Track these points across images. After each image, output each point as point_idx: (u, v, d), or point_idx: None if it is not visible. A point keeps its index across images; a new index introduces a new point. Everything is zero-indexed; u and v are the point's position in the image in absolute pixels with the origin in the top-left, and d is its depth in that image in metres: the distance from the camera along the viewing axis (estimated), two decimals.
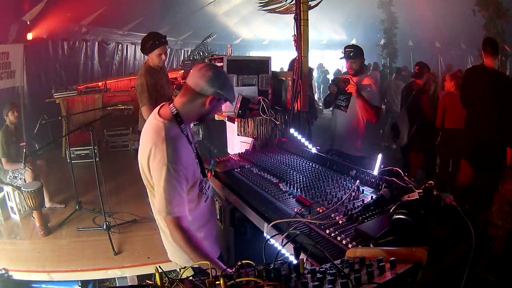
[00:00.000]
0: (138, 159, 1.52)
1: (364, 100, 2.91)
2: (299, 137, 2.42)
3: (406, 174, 1.57)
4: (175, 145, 1.41)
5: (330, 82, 3.39)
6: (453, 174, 3.80)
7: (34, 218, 3.42)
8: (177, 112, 1.48)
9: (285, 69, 5.17)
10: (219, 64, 2.80)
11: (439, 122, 3.92)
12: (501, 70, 5.33)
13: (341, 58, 3.13)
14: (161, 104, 1.56)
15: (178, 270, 1.66)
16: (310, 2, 2.67)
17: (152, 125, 1.49)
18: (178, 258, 1.63)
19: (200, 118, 1.58)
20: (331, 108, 3.35)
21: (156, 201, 1.42)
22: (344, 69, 3.55)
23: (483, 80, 3.06)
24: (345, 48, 3.09)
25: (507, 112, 2.90)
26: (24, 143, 3.95)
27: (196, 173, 1.54)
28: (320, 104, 8.52)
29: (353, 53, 3.01)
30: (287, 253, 1.25)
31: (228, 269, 1.15)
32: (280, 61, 6.03)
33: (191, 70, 1.54)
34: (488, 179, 3.08)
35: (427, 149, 4.17)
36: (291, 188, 1.66)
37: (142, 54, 3.39)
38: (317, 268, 0.88)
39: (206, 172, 1.93)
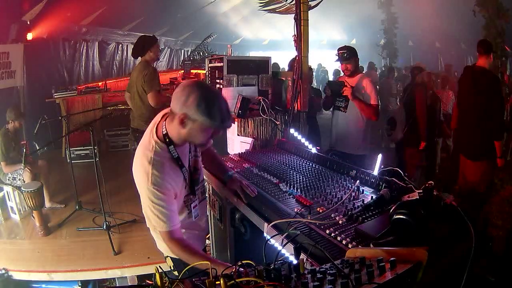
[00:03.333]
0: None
1: (360, 101, 3.02)
2: (299, 137, 2.42)
3: (406, 174, 1.57)
4: (160, 167, 1.39)
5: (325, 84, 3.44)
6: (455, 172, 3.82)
7: (34, 218, 3.43)
8: (166, 132, 1.43)
9: (285, 69, 5.16)
10: (219, 64, 2.80)
11: (455, 123, 3.93)
12: (501, 70, 5.33)
13: (336, 61, 3.20)
14: (163, 114, 1.48)
15: (164, 259, 1.68)
16: (310, 2, 2.67)
17: (146, 140, 1.47)
18: (163, 249, 1.64)
19: (188, 142, 1.48)
20: (330, 110, 3.40)
21: (146, 215, 1.45)
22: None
23: (470, 78, 3.24)
24: (338, 50, 3.15)
25: (491, 106, 3.06)
26: (25, 142, 3.94)
27: (180, 194, 1.52)
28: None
29: (347, 54, 3.08)
30: (287, 253, 1.25)
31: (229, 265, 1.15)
32: (280, 61, 6.02)
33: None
34: (481, 168, 3.20)
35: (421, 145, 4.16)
36: (291, 188, 1.66)
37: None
38: (317, 268, 0.88)
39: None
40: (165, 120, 1.45)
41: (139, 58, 3.58)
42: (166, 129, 1.43)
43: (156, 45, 3.52)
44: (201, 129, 1.38)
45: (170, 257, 1.62)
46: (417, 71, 4.24)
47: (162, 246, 1.64)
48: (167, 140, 1.43)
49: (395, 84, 7.45)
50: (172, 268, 1.61)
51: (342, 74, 3.39)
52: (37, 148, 4.36)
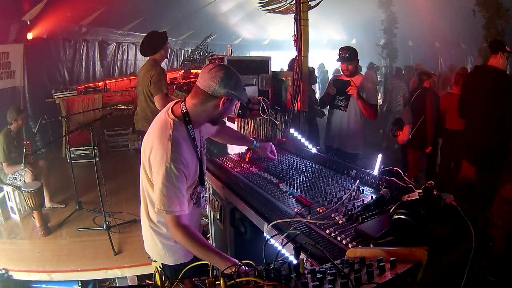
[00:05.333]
0: (141, 149, 1.51)
1: (364, 101, 3.04)
2: (299, 137, 2.42)
3: (406, 174, 1.57)
4: (179, 145, 1.40)
5: (328, 82, 3.43)
6: (454, 174, 3.81)
7: (34, 218, 3.43)
8: (186, 111, 1.47)
9: (285, 69, 5.15)
10: None
11: (452, 123, 3.91)
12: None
13: (337, 60, 3.21)
14: (176, 101, 1.55)
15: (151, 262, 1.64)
16: (310, 2, 2.67)
17: (162, 119, 1.48)
18: (153, 253, 1.64)
19: (212, 120, 1.55)
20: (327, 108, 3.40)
21: (155, 197, 1.41)
22: None
23: (485, 78, 3.09)
24: (340, 50, 3.16)
25: (509, 107, 2.94)
26: (29, 142, 3.93)
27: (194, 177, 1.52)
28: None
29: (349, 55, 3.10)
30: (287, 253, 1.25)
31: (235, 261, 1.21)
32: (280, 61, 6.02)
33: (200, 71, 1.51)
34: (489, 179, 3.10)
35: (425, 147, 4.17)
36: (291, 188, 1.66)
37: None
38: (317, 268, 0.88)
39: (246, 151, 2.08)
40: (182, 102, 1.50)
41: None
42: (186, 109, 1.47)
43: (167, 42, 3.32)
44: (233, 106, 1.52)
45: (162, 263, 1.60)
46: (425, 76, 4.19)
47: (154, 250, 1.63)
48: (187, 119, 1.47)
49: (406, 85, 7.28)
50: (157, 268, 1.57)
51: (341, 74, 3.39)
52: (37, 148, 4.36)
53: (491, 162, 3.08)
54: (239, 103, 2.25)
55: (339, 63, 3.19)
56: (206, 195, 2.35)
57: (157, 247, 1.60)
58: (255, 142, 2.06)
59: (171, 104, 1.54)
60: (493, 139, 3.04)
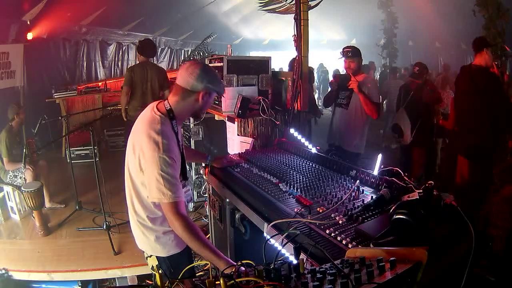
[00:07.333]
0: (128, 144, 1.59)
1: (365, 96, 3.05)
2: (299, 137, 2.42)
3: (406, 174, 1.57)
4: (168, 138, 1.50)
5: (330, 80, 3.47)
6: (453, 172, 3.82)
7: (34, 218, 3.43)
8: (170, 108, 1.58)
9: (285, 69, 5.16)
10: (219, 64, 2.80)
11: (452, 123, 3.92)
12: (501, 70, 5.32)
13: (339, 58, 3.25)
14: (159, 101, 1.65)
15: (146, 259, 1.73)
16: (310, 2, 2.68)
17: (148, 116, 1.57)
18: (146, 247, 1.70)
19: (194, 115, 1.70)
20: (330, 108, 3.44)
21: (151, 189, 1.47)
22: (343, 71, 3.61)
23: (468, 77, 3.21)
24: (343, 48, 3.23)
25: (493, 105, 3.02)
26: (32, 141, 3.93)
27: (178, 171, 1.58)
28: (320, 103, 8.46)
29: (351, 52, 3.15)
30: (287, 253, 1.25)
31: (229, 260, 1.26)
32: (280, 61, 6.03)
33: (178, 70, 1.62)
34: (481, 170, 3.17)
35: (428, 145, 4.20)
36: (291, 188, 1.66)
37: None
38: (317, 268, 0.88)
39: (204, 167, 2.12)
40: (165, 100, 1.61)
41: (139, 57, 4.16)
42: (170, 105, 1.58)
43: None
44: (211, 99, 1.64)
45: (156, 256, 1.66)
46: (425, 71, 4.15)
47: (146, 244, 1.68)
48: (171, 115, 1.57)
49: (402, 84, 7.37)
50: (155, 267, 1.65)
51: (342, 73, 3.42)
52: (38, 148, 4.36)
53: (483, 155, 3.16)
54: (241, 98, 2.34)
55: (340, 63, 3.24)
56: (206, 195, 2.36)
57: (148, 240, 1.66)
58: (209, 157, 2.11)
59: (155, 103, 1.63)
60: (484, 135, 3.11)
